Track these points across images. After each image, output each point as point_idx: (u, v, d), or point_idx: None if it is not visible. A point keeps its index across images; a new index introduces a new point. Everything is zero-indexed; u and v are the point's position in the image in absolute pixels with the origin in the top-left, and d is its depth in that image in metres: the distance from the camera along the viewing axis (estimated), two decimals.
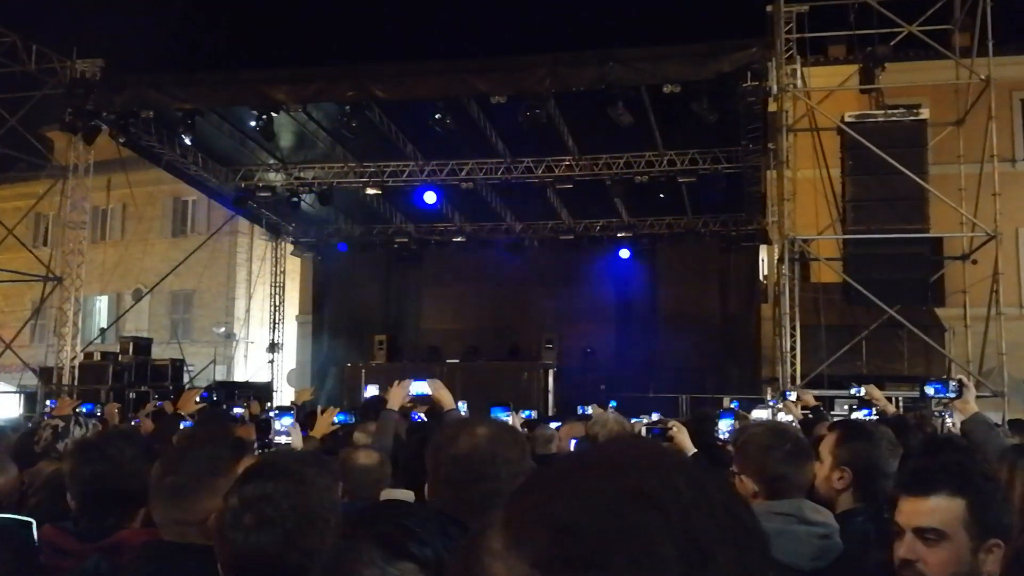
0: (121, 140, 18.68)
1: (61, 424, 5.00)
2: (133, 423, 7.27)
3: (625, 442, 0.97)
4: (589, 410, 9.84)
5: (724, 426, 5.57)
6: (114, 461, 2.80)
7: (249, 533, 2.11)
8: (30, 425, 8.07)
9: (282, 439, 4.93)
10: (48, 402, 14.60)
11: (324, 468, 2.35)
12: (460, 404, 5.66)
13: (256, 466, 2.36)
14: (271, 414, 6.44)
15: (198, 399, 8.07)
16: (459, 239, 24.28)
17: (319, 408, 7.83)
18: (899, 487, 2.72)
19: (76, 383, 19.20)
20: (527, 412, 12.05)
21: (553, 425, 7.85)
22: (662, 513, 0.83)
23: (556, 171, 20.04)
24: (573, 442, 5.95)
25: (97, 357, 20.28)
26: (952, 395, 5.44)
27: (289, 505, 2.13)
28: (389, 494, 3.52)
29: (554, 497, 0.86)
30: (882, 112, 15.93)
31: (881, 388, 8.37)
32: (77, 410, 7.11)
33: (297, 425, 5.70)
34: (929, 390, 6.43)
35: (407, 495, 3.30)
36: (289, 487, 2.17)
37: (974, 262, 17.02)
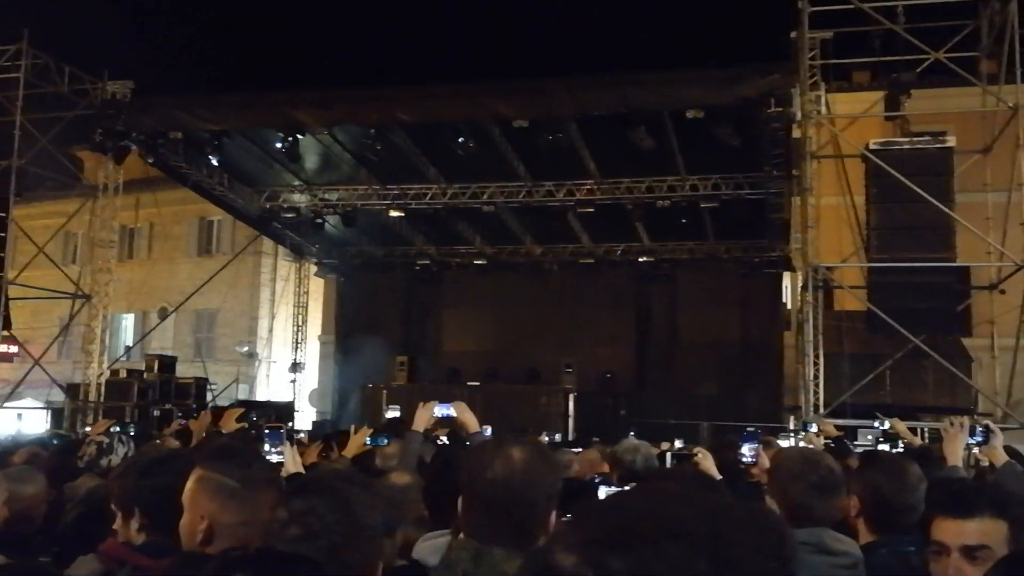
0: (150, 160, 18.93)
1: (106, 441, 5.08)
2: (156, 442, 7.32)
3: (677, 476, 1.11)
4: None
5: (747, 450, 5.55)
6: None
7: (294, 544, 2.15)
8: (55, 441, 8.15)
9: (274, 458, 4.89)
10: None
11: (367, 487, 2.40)
12: (485, 428, 5.67)
13: (303, 482, 2.43)
14: (265, 432, 6.40)
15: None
16: (480, 262, 24.34)
17: (352, 427, 7.89)
18: (938, 508, 2.74)
19: (102, 400, 19.33)
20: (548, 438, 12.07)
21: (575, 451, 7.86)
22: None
23: (577, 195, 20.09)
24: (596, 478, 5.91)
25: (123, 374, 20.41)
26: (979, 440, 5.32)
27: (334, 519, 2.19)
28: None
29: (637, 524, 0.94)
30: (907, 139, 15.88)
31: (904, 419, 8.28)
32: (113, 429, 7.18)
33: (289, 445, 5.67)
34: None
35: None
36: (334, 503, 2.22)
37: (1002, 292, 16.87)
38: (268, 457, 4.61)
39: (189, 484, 2.64)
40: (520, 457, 2.46)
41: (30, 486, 4.52)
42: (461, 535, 2.48)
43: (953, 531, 2.61)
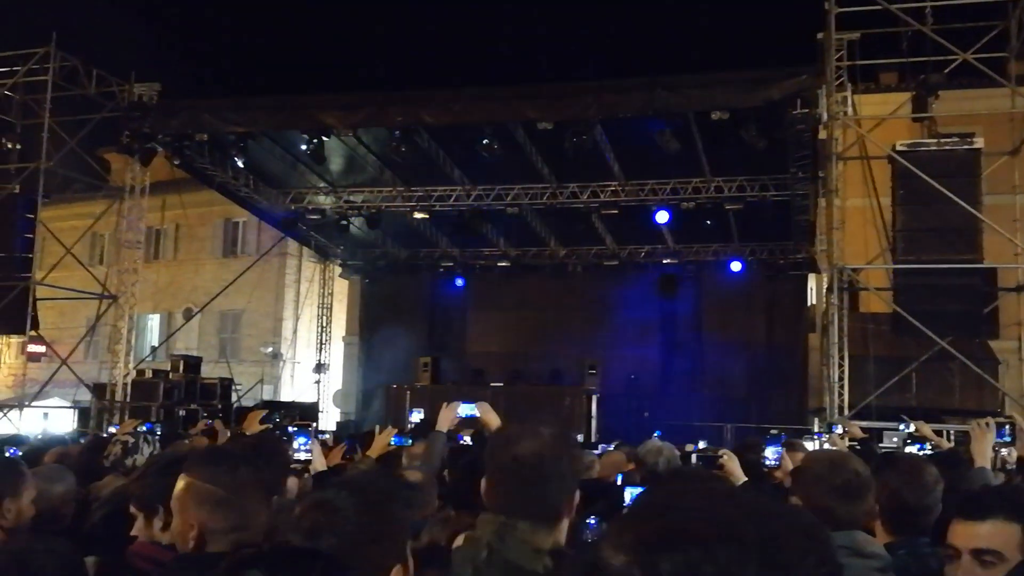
0: (176, 162, 19.06)
1: (131, 440, 5.12)
2: (187, 442, 7.37)
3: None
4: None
5: (771, 453, 5.54)
6: None
7: (315, 537, 2.16)
8: (82, 440, 8.21)
9: (302, 456, 4.95)
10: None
11: (392, 484, 2.41)
12: None
13: (324, 478, 2.46)
14: (290, 430, 6.45)
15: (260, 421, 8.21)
16: (503, 264, 24.36)
17: (377, 428, 7.93)
18: (953, 511, 2.73)
19: (128, 400, 19.47)
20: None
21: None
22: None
23: (601, 196, 20.06)
24: (619, 477, 5.92)
25: (148, 374, 20.56)
26: (1006, 439, 5.30)
27: (354, 511, 2.19)
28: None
29: (686, 521, 0.95)
30: (935, 141, 15.76)
31: (930, 422, 8.22)
32: (139, 428, 7.24)
33: (316, 443, 5.72)
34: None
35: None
36: (353, 497, 2.23)
37: None
38: (296, 455, 4.67)
39: (177, 490, 2.66)
40: (546, 435, 2.55)
41: (59, 485, 4.56)
42: (484, 513, 2.54)
43: (965, 534, 2.59)
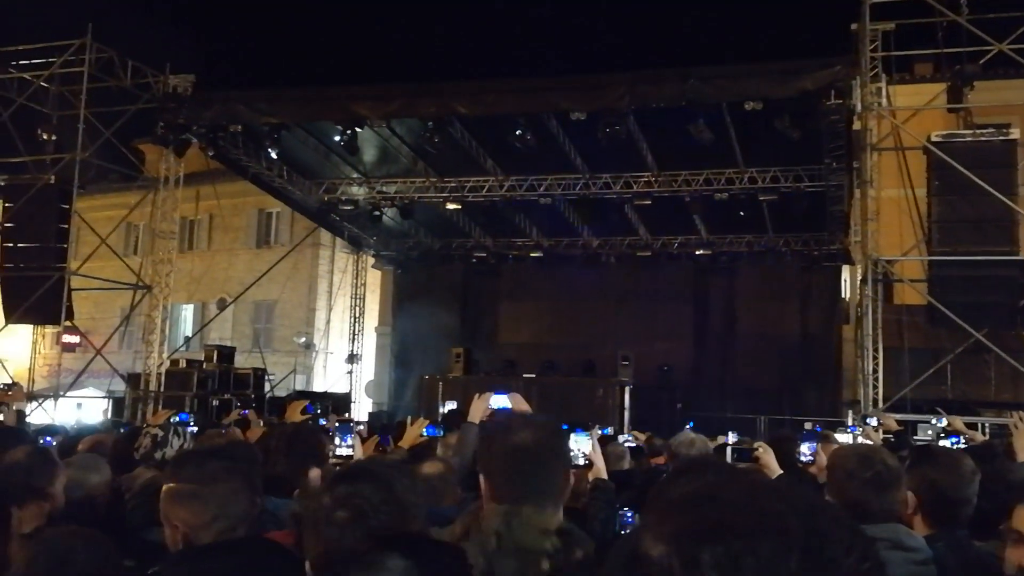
0: (210, 153, 19.17)
1: (160, 433, 5.16)
2: (223, 431, 7.44)
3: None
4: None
5: (806, 449, 5.50)
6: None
7: (344, 528, 2.21)
8: (123, 430, 8.31)
9: (344, 452, 5.00)
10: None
11: (406, 473, 2.48)
12: None
13: (345, 470, 2.52)
14: (333, 425, 6.51)
15: (302, 411, 8.31)
16: (536, 254, 24.36)
17: (408, 419, 8.00)
18: (1020, 496, 2.78)
19: (162, 390, 19.65)
20: (603, 429, 12.07)
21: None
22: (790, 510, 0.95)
23: (635, 187, 20.01)
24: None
25: (182, 364, 20.73)
26: None
27: (380, 500, 2.25)
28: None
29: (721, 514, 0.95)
30: (970, 132, 15.60)
31: (965, 415, 8.15)
32: (172, 419, 7.32)
33: (358, 439, 5.76)
34: None
35: None
36: (378, 486, 2.29)
37: None
38: (338, 451, 4.74)
39: (161, 500, 2.76)
40: (539, 426, 2.75)
41: (95, 475, 4.61)
42: (487, 503, 2.64)
43: None
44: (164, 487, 2.76)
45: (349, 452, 5.03)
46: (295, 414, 7.86)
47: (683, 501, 0.98)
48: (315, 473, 4.11)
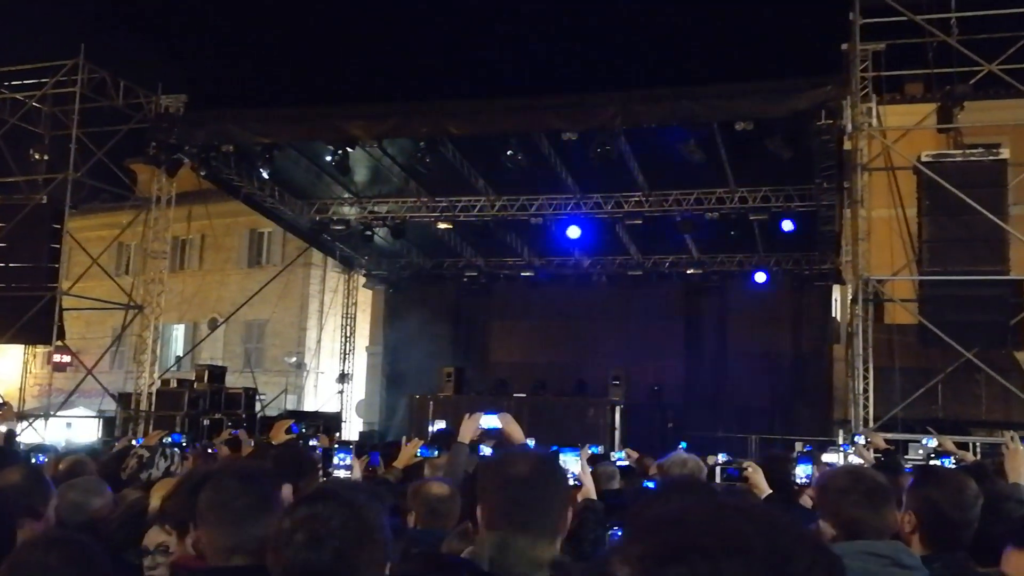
0: (202, 173, 19.19)
1: (147, 455, 5.12)
2: (210, 451, 7.40)
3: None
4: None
5: (802, 471, 5.49)
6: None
7: (299, 550, 2.23)
8: (112, 450, 8.26)
9: (341, 473, 4.99)
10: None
11: (373, 495, 2.50)
12: (529, 441, 5.66)
13: (308, 493, 2.55)
14: (321, 449, 6.51)
15: (287, 431, 8.26)
16: (527, 273, 24.34)
17: (403, 439, 7.97)
18: (1011, 538, 2.73)
19: (153, 409, 19.57)
20: (593, 447, 12.03)
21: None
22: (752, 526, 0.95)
23: (625, 207, 20.04)
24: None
25: (173, 384, 20.67)
26: None
27: (339, 523, 2.26)
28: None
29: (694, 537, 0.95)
30: (960, 152, 15.66)
31: (956, 434, 8.16)
32: (164, 440, 7.28)
33: (356, 460, 5.76)
34: None
35: None
36: (338, 508, 2.30)
37: None
38: (335, 471, 4.74)
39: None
40: (538, 459, 2.77)
41: (97, 498, 4.55)
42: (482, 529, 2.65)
43: (1020, 564, 2.58)
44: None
45: (347, 473, 5.03)
46: (280, 434, 7.83)
47: (650, 524, 0.99)
48: (287, 491, 4.08)
